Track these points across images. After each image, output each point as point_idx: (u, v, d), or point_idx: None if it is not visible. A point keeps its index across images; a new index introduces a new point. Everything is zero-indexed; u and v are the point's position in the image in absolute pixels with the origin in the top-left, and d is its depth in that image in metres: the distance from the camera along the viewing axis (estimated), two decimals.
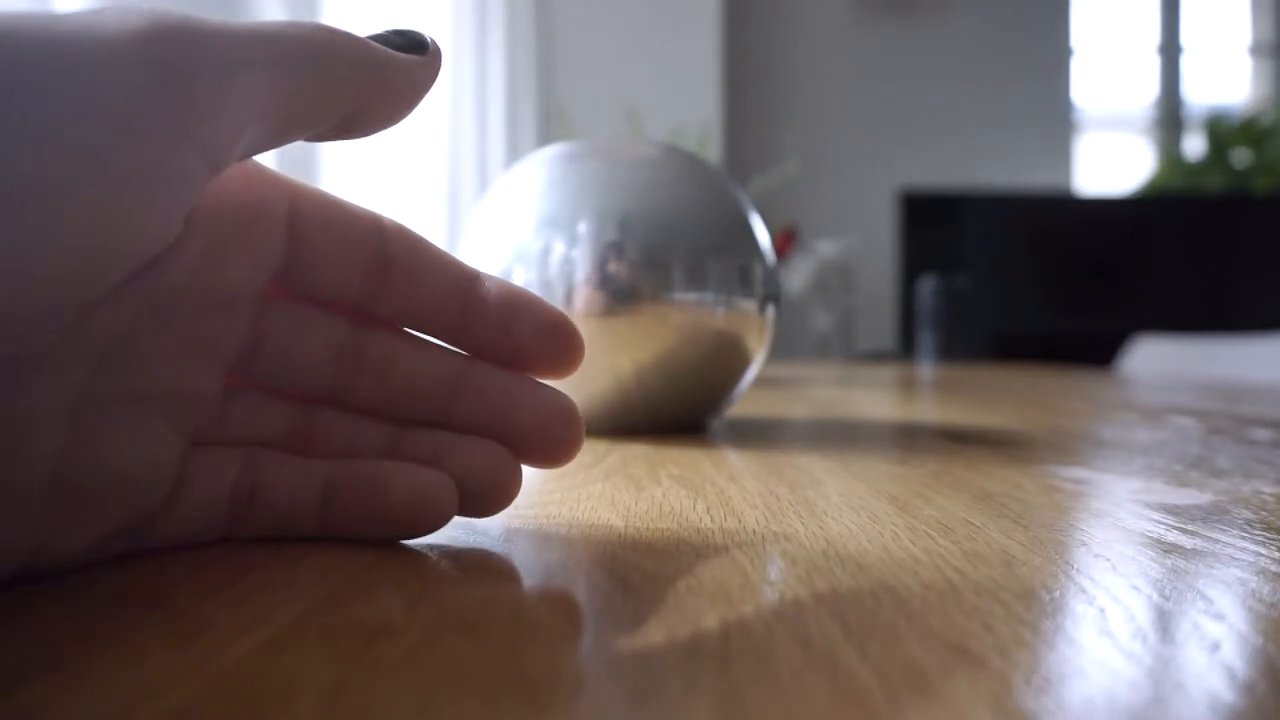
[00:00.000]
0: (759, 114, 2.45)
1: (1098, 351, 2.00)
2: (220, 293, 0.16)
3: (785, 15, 2.48)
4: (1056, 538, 0.18)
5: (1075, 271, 2.29)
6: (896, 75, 2.50)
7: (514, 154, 1.98)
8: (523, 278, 0.35)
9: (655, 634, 0.12)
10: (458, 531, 0.19)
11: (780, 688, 0.10)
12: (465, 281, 0.18)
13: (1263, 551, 0.17)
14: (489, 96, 1.98)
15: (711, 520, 0.20)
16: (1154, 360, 1.47)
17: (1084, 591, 0.14)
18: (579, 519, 0.20)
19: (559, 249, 0.34)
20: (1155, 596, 0.14)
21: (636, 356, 0.34)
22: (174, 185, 0.13)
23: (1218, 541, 0.18)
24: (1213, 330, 2.10)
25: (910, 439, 0.36)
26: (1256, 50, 2.69)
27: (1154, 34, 2.65)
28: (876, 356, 2.09)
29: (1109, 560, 0.16)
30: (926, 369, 1.28)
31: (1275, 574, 0.15)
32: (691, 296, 0.34)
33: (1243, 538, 0.18)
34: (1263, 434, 0.39)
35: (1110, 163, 2.65)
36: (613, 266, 0.34)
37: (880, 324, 2.46)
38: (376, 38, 0.16)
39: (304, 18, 1.47)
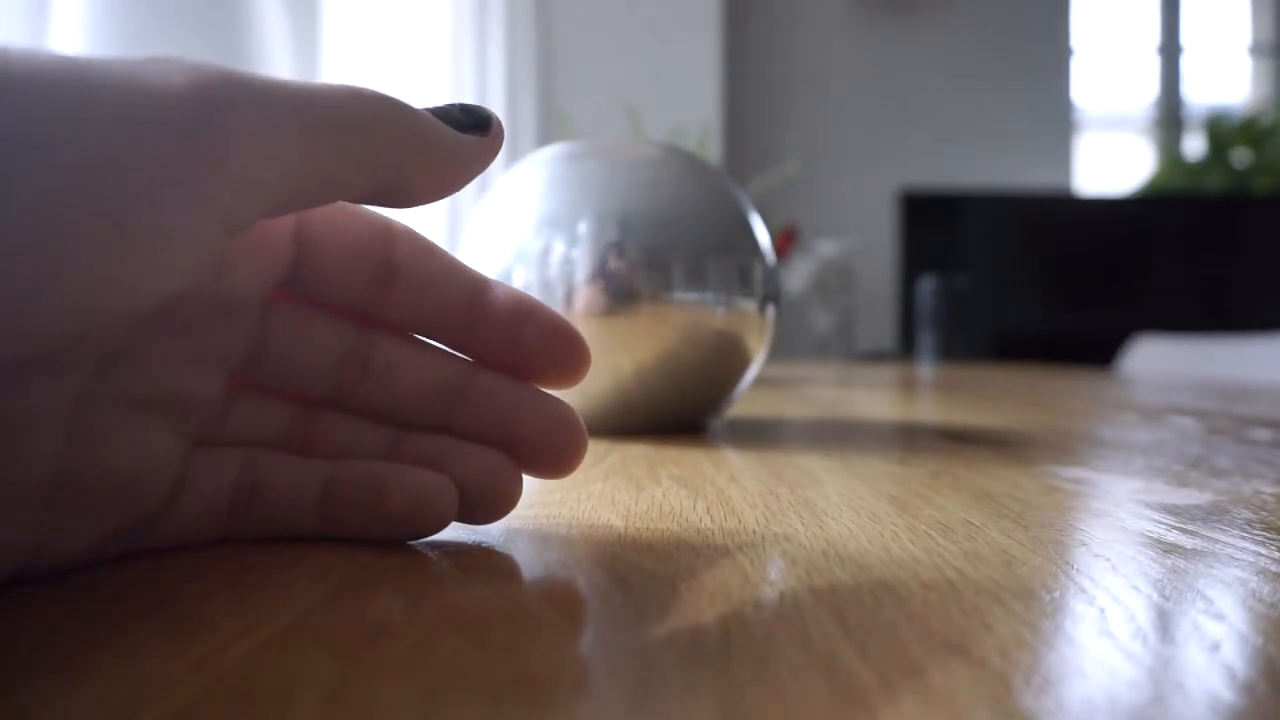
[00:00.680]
0: (759, 114, 2.45)
1: (1098, 351, 2.00)
2: (225, 299, 0.16)
3: (785, 15, 2.48)
4: (1056, 538, 0.18)
5: (1075, 271, 2.29)
6: (896, 75, 2.50)
7: (514, 154, 1.98)
8: (523, 278, 0.35)
9: (655, 634, 0.12)
10: (458, 531, 0.19)
11: (780, 688, 0.10)
12: (473, 289, 0.18)
13: (1263, 551, 0.17)
14: (489, 96, 1.97)
15: (711, 520, 0.20)
16: (1154, 360, 1.47)
17: (1084, 591, 0.14)
18: (579, 519, 0.20)
19: (559, 249, 0.34)
20: (1155, 596, 0.14)
21: (636, 356, 0.34)
22: (187, 247, 0.13)
23: (1218, 541, 0.18)
24: (1213, 330, 2.10)
25: (910, 439, 0.36)
26: (1256, 50, 2.69)
27: (1154, 34, 2.65)
28: (876, 356, 2.09)
29: (1109, 560, 0.16)
30: (926, 369, 1.28)
31: (1275, 574, 0.15)
32: (691, 296, 0.34)
33: (1243, 538, 0.18)
34: (1263, 434, 0.39)
35: (1110, 163, 2.65)
36: (613, 266, 0.34)
37: (880, 324, 2.46)
38: (438, 111, 0.16)
39: (303, 17, 1.47)
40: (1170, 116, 2.63)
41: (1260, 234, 2.27)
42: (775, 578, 0.15)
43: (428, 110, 0.16)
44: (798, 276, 1.74)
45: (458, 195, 1.98)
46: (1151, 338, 1.57)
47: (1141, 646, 0.12)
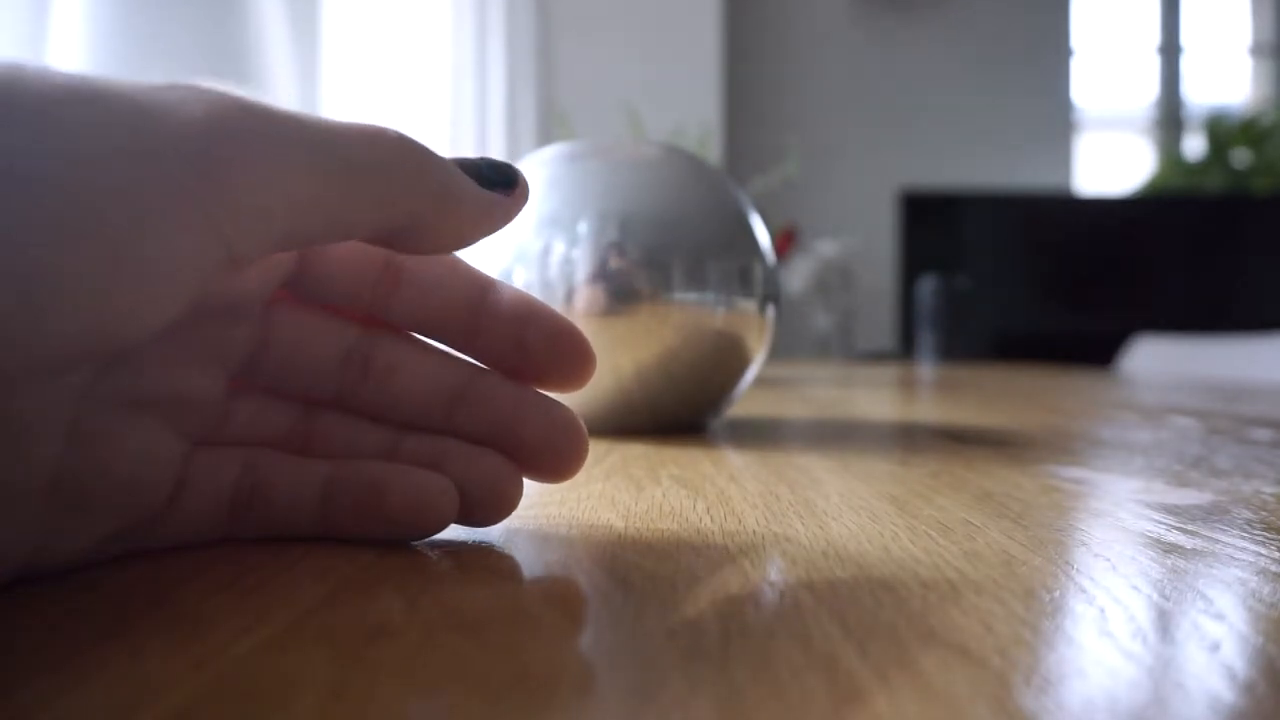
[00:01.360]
0: (759, 114, 2.45)
1: (1098, 351, 2.00)
2: (228, 300, 0.16)
3: (785, 15, 2.47)
4: (1056, 538, 0.18)
5: (1075, 271, 2.29)
6: (896, 75, 2.50)
7: (514, 154, 1.98)
8: (523, 278, 0.35)
9: (655, 634, 0.12)
10: (458, 531, 0.18)
11: (780, 688, 0.10)
12: (478, 290, 0.18)
13: (1263, 551, 0.17)
14: (489, 96, 1.97)
15: (711, 520, 0.20)
16: (1154, 360, 1.47)
17: (1084, 591, 0.14)
18: (579, 519, 0.20)
19: (559, 249, 0.34)
20: (1155, 596, 0.14)
21: (637, 356, 0.34)
22: (188, 277, 0.13)
23: (1218, 541, 0.18)
24: (1213, 330, 2.10)
25: (910, 439, 0.36)
26: (1256, 50, 2.69)
27: (1154, 34, 2.65)
28: (876, 356, 2.09)
29: (1109, 560, 0.16)
30: (926, 369, 1.28)
31: (1275, 574, 0.15)
32: (691, 296, 0.34)
33: (1243, 538, 0.18)
34: (1263, 434, 0.39)
35: (1110, 163, 2.65)
36: (613, 266, 0.34)
37: (880, 324, 2.46)
38: (464, 163, 0.16)
39: (304, 16, 1.47)
40: (1170, 116, 2.63)
41: (1260, 234, 2.27)
42: (775, 578, 0.15)
43: (454, 161, 0.16)
44: (798, 276, 1.74)
45: None
46: (1151, 338, 1.57)
47: (1141, 646, 0.12)
